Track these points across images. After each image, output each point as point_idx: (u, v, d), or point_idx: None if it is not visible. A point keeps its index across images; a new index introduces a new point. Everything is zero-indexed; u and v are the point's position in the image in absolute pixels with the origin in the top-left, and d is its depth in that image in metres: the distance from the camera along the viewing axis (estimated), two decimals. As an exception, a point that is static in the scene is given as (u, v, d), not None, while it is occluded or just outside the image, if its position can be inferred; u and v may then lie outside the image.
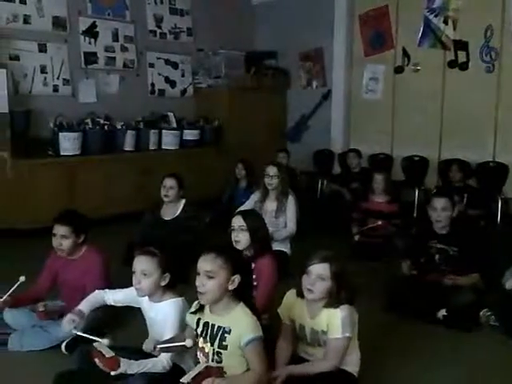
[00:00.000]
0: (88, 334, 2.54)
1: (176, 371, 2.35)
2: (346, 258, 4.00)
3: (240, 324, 2.18)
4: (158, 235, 4.19)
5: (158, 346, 2.32)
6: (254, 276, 2.80)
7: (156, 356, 2.38)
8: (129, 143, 6.25)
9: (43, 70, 5.98)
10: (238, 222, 3.04)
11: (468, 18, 6.17)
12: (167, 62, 7.15)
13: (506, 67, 6.05)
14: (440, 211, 3.59)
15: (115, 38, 6.59)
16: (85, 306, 2.73)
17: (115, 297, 2.74)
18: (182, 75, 7.33)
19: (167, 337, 2.39)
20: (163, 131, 6.61)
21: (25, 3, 5.78)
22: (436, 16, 6.44)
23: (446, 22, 6.39)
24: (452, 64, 6.43)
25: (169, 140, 6.63)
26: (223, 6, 7.39)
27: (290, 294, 2.54)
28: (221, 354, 2.22)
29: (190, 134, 6.84)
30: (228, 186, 5.96)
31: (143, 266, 2.46)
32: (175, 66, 7.24)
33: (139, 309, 2.66)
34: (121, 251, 4.18)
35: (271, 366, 2.34)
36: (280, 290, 2.71)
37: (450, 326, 3.28)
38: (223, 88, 7.17)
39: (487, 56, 6.17)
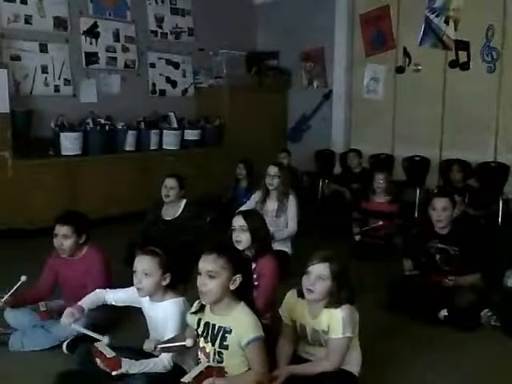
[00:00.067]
0: (87, 329, 2.56)
1: (177, 371, 2.35)
2: (347, 258, 4.03)
3: (241, 324, 2.18)
4: (159, 235, 4.20)
5: (159, 346, 2.32)
6: (254, 276, 2.80)
7: (157, 356, 2.38)
8: (130, 143, 6.25)
9: (44, 70, 5.98)
10: (238, 222, 3.04)
11: (469, 17, 6.16)
12: (168, 62, 7.15)
13: (507, 67, 6.05)
14: (441, 211, 3.58)
15: (116, 38, 6.59)
16: (85, 303, 2.74)
17: (116, 296, 2.74)
18: (183, 75, 7.33)
19: (168, 337, 2.39)
20: (164, 131, 6.61)
21: (26, 3, 5.79)
22: (437, 16, 6.43)
23: (447, 22, 6.38)
24: (453, 64, 6.43)
25: (170, 140, 6.63)
26: (224, 5, 7.39)
27: (291, 295, 2.54)
28: (222, 353, 2.22)
29: (191, 134, 6.84)
30: (229, 186, 5.96)
31: (144, 265, 2.47)
32: (176, 66, 7.24)
33: (140, 309, 2.66)
34: (122, 251, 4.18)
35: (272, 366, 2.34)
36: (281, 290, 2.71)
37: (451, 326, 3.27)
38: (224, 88, 7.18)
39: (488, 56, 6.16)
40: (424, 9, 6.48)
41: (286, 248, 4.33)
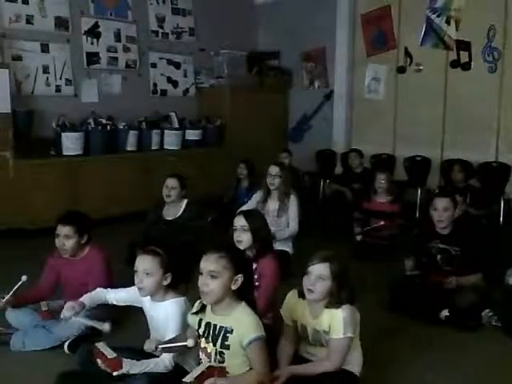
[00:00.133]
0: (88, 319, 2.57)
1: (178, 371, 2.35)
2: (348, 258, 4.03)
3: (242, 324, 2.18)
4: (161, 235, 4.21)
5: (160, 347, 2.32)
6: (255, 276, 2.80)
7: (158, 356, 2.39)
8: (131, 143, 6.25)
9: (45, 70, 5.98)
10: (239, 221, 3.04)
11: (470, 17, 6.16)
12: (169, 62, 7.15)
13: (509, 67, 6.04)
14: (442, 211, 3.58)
15: (117, 38, 6.59)
16: (86, 299, 2.75)
17: (117, 296, 2.75)
18: (185, 75, 7.33)
19: (169, 337, 2.39)
20: (165, 131, 6.62)
21: (27, 3, 5.79)
22: (438, 16, 6.42)
23: (448, 22, 6.38)
24: (454, 64, 6.42)
25: (171, 140, 6.63)
26: (225, 5, 7.39)
27: (292, 295, 2.54)
28: (223, 353, 2.22)
29: (192, 134, 6.84)
30: (230, 186, 5.96)
31: (145, 265, 2.47)
32: (177, 66, 7.25)
33: (141, 308, 2.66)
34: (123, 251, 4.19)
35: (273, 366, 2.34)
36: (282, 290, 2.71)
37: (452, 326, 3.27)
38: (225, 88, 7.18)
39: (490, 56, 6.16)
40: (425, 9, 6.48)
41: (287, 248, 4.33)
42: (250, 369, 2.20)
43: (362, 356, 2.50)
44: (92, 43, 6.37)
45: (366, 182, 5.44)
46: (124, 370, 2.25)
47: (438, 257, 3.60)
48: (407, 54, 6.79)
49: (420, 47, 6.62)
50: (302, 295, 2.45)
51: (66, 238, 3.14)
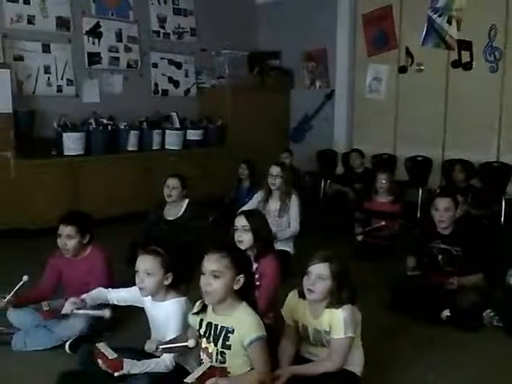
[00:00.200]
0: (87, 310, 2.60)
1: (179, 371, 2.35)
2: (349, 258, 4.03)
3: (243, 324, 2.18)
4: (162, 235, 4.21)
5: (161, 347, 2.32)
6: (256, 276, 2.80)
7: (158, 356, 2.39)
8: (132, 143, 6.26)
9: (47, 70, 5.99)
10: (241, 221, 3.04)
11: (472, 17, 6.15)
12: (171, 62, 7.16)
13: (510, 67, 6.03)
14: (443, 211, 3.58)
15: (119, 38, 6.60)
16: (87, 297, 2.77)
17: (118, 296, 2.75)
18: (186, 75, 7.34)
19: (170, 337, 2.39)
20: (166, 131, 6.62)
21: (29, 3, 5.80)
22: (440, 16, 6.42)
23: (449, 22, 6.37)
24: (455, 64, 6.41)
25: (172, 140, 6.64)
26: (226, 5, 7.39)
27: (292, 295, 2.54)
28: (224, 353, 2.22)
29: (194, 134, 6.85)
30: (232, 186, 5.96)
31: (146, 265, 2.47)
32: (179, 66, 7.25)
33: (142, 308, 2.66)
34: (124, 251, 4.19)
35: (274, 366, 2.34)
36: (283, 290, 2.71)
37: (453, 327, 3.27)
38: (226, 88, 7.19)
39: (491, 56, 6.15)
40: (426, 9, 6.47)
41: (288, 248, 4.33)
42: (252, 369, 2.20)
43: (363, 356, 2.50)
44: (93, 43, 6.38)
45: (367, 182, 5.43)
46: (125, 371, 2.25)
47: (439, 257, 3.60)
48: (408, 53, 6.79)
49: (421, 47, 6.61)
50: (302, 295, 2.45)
51: (68, 237, 3.14)
